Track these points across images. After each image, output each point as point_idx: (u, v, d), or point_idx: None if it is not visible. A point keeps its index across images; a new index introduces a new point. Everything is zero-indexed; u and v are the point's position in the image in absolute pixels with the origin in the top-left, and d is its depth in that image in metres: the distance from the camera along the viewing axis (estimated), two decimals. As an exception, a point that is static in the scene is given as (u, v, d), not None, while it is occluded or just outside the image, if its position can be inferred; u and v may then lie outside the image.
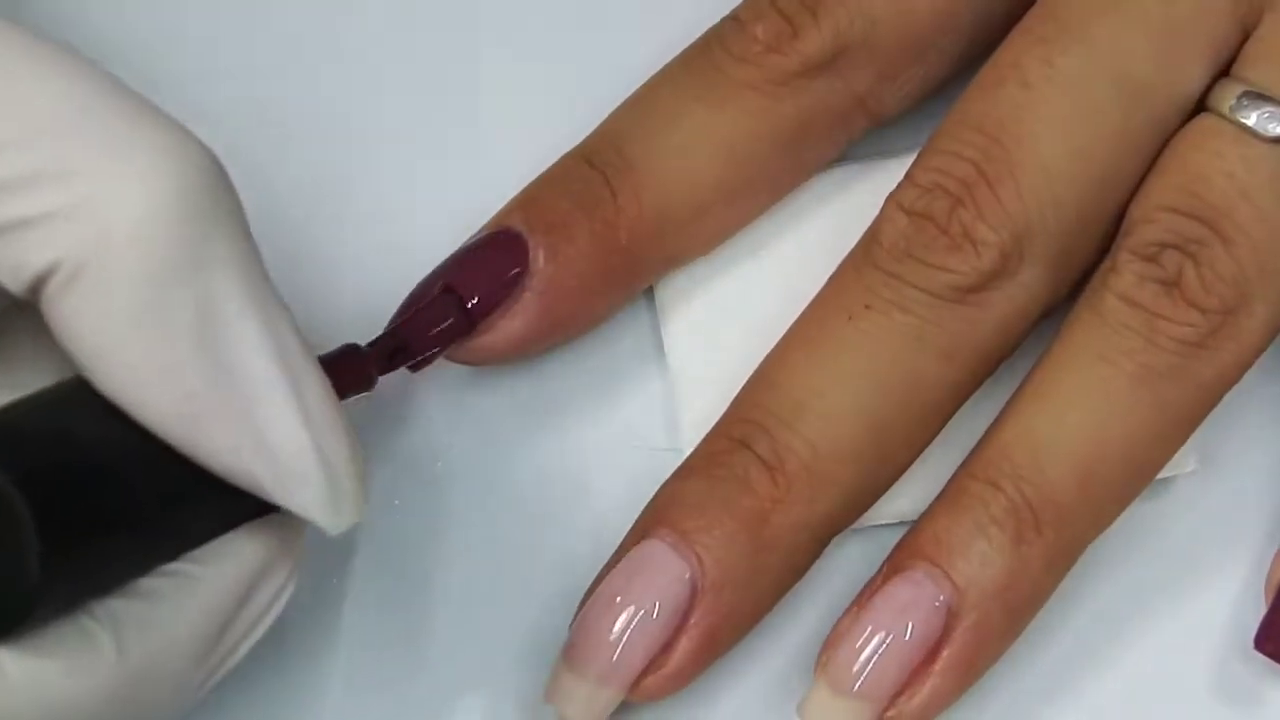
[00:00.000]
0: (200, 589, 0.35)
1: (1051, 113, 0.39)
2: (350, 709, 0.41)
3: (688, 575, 0.39)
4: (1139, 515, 0.41)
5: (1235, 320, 0.38)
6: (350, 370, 0.39)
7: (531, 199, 0.41)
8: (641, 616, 0.39)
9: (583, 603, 0.40)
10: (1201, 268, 0.38)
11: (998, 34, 0.41)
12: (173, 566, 0.35)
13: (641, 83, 0.42)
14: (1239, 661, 0.41)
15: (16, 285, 0.33)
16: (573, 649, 0.39)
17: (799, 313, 0.41)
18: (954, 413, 0.40)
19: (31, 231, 0.33)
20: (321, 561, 0.42)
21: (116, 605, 0.34)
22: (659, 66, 0.42)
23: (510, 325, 0.41)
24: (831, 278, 0.41)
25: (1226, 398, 0.39)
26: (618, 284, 0.42)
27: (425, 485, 0.43)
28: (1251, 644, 0.40)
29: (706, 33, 0.42)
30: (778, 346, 0.41)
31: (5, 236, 0.33)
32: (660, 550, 0.39)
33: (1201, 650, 0.41)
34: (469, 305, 0.41)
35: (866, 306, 0.39)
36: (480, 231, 0.41)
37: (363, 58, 0.45)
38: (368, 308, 0.42)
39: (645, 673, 0.39)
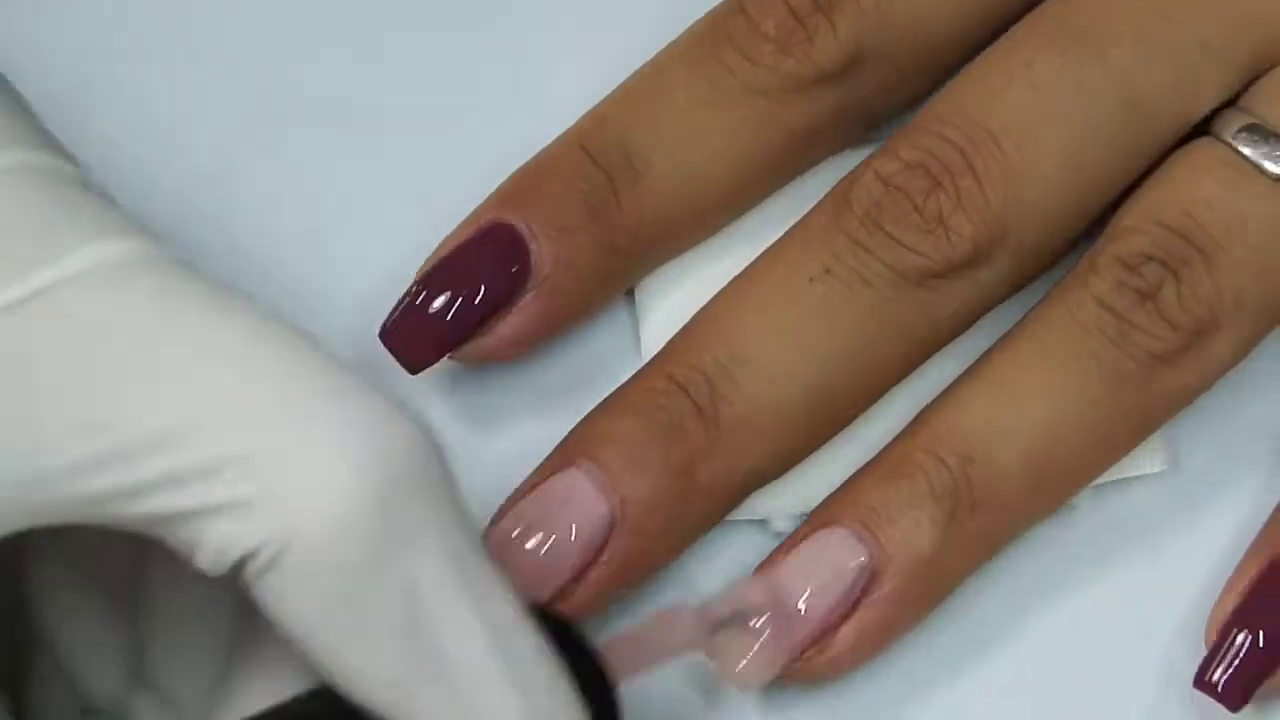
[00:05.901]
0: None
1: (1058, 125, 0.40)
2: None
3: (606, 512, 0.39)
4: (1104, 515, 0.42)
5: (1202, 343, 0.39)
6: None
7: (531, 193, 0.41)
8: (555, 545, 0.39)
9: (500, 514, 0.40)
10: (1182, 286, 0.39)
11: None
12: None
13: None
14: (1194, 660, 0.41)
15: (218, 569, 0.32)
16: None
17: None
18: (890, 388, 0.41)
19: (226, 520, 0.32)
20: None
21: None
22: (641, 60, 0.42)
23: (508, 327, 0.41)
24: (795, 231, 0.41)
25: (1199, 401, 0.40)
26: (614, 284, 0.42)
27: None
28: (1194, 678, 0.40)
29: (713, 20, 0.41)
30: (731, 292, 0.41)
31: (203, 524, 0.32)
32: (583, 484, 0.39)
33: (1156, 651, 0.42)
34: (469, 307, 0.40)
35: (828, 271, 0.40)
36: (472, 223, 0.41)
37: (345, 49, 0.45)
38: (353, 295, 0.43)
39: (551, 599, 0.39)
